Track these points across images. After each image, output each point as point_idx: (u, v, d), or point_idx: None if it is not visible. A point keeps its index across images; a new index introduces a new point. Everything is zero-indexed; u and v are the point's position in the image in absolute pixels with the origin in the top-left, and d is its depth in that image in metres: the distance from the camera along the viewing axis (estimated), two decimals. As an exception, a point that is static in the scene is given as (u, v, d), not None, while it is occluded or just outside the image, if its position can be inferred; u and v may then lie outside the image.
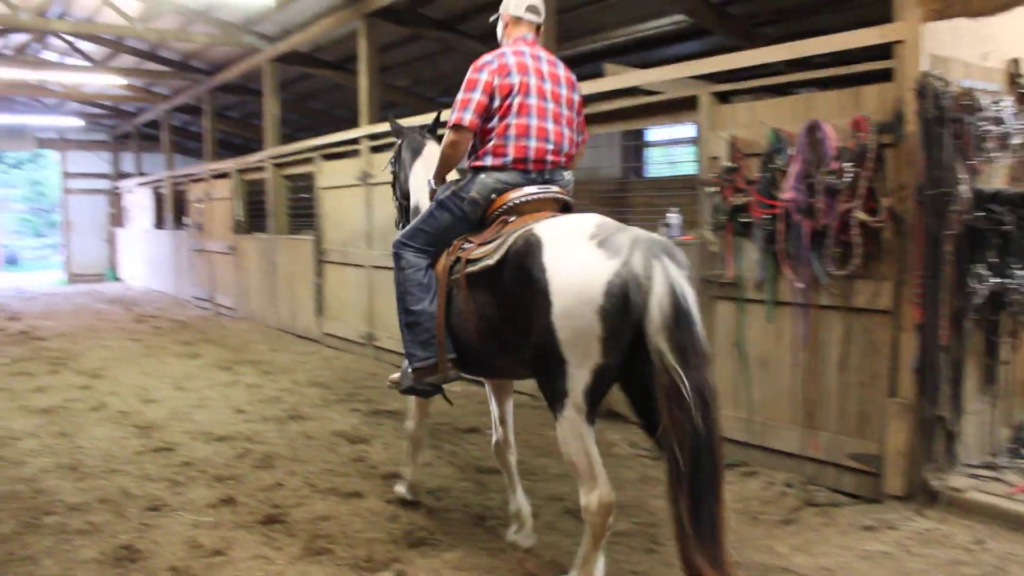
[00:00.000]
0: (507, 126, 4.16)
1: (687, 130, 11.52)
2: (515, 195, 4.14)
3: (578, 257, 3.41)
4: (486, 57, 4.24)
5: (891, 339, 4.81)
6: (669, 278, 3.26)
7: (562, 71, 4.39)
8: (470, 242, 4.10)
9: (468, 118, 4.14)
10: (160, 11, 12.67)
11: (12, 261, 33.89)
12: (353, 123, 10.96)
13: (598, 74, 7.12)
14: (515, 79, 4.17)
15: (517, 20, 4.44)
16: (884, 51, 4.85)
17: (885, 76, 4.84)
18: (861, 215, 4.76)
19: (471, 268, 3.93)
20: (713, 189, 5.67)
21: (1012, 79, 5.30)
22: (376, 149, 9.72)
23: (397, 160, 5.26)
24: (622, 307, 3.28)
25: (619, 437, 6.26)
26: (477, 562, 4.21)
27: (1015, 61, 5.32)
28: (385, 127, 7.18)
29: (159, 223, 19.42)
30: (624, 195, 11.94)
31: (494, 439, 4.69)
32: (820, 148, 4.96)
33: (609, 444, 6.11)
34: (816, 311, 5.16)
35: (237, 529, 4.62)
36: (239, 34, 12.79)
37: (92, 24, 13.88)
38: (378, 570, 4.11)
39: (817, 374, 5.19)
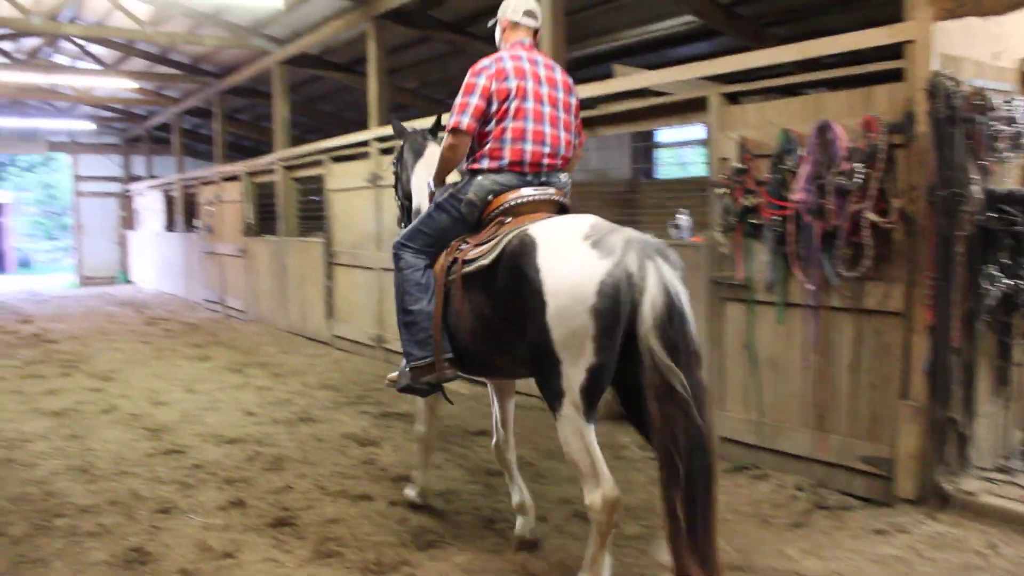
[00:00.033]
0: (503, 130, 4.23)
1: (697, 131, 11.50)
2: (511, 197, 4.21)
3: (572, 257, 3.48)
4: (484, 61, 4.31)
5: (902, 341, 4.78)
6: (662, 278, 3.34)
7: (559, 75, 4.45)
8: (467, 243, 4.17)
9: (466, 122, 4.22)
10: (170, 14, 12.73)
11: (24, 264, 34.09)
12: (362, 125, 10.98)
13: (607, 75, 7.10)
14: (512, 83, 4.24)
15: (515, 25, 4.52)
16: (895, 51, 4.82)
17: (896, 76, 4.82)
18: (872, 216, 4.73)
19: (467, 268, 4.01)
20: (723, 190, 5.65)
21: (1024, 78, 5.28)
22: (386, 151, 9.72)
23: (399, 162, 5.32)
24: (615, 306, 3.35)
25: (629, 440, 6.24)
26: (486, 565, 4.20)
27: (1027, 60, 5.30)
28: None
29: (170, 226, 19.48)
30: (634, 196, 11.93)
31: (494, 440, 4.75)
32: (830, 149, 4.94)
33: (619, 447, 6.10)
34: (827, 313, 5.14)
35: (247, 532, 4.62)
36: (248, 37, 12.82)
37: (103, 28, 13.95)
38: (387, 573, 4.11)
39: (828, 376, 5.17)
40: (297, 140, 14.19)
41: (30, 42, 16.04)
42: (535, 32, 4.55)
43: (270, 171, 13.26)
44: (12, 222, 33.75)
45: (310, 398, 8.02)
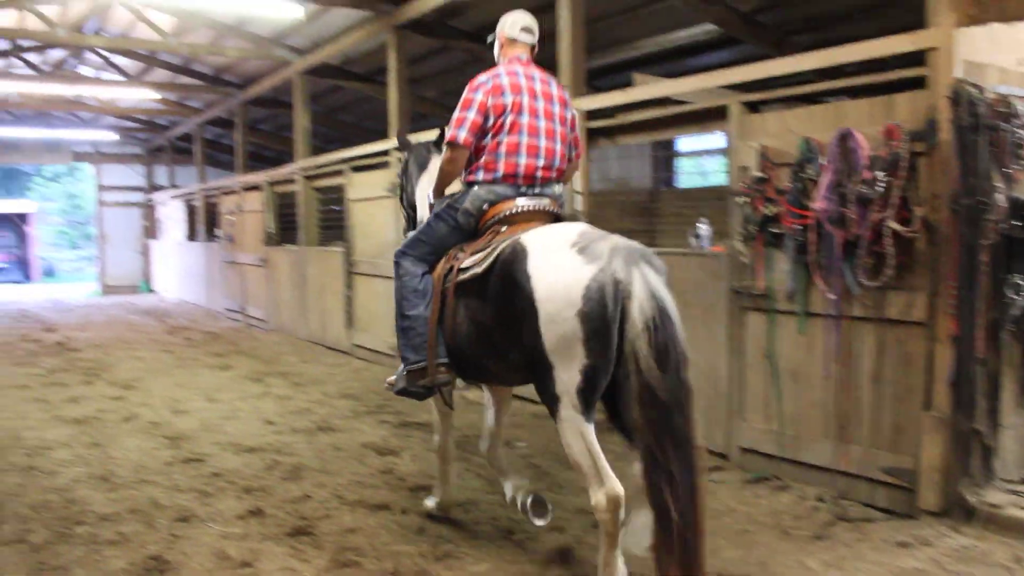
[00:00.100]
0: (498, 144, 4.37)
1: (717, 140, 11.46)
2: (506, 207, 4.35)
3: (560, 264, 3.62)
4: (481, 77, 4.45)
5: (925, 351, 4.72)
6: (648, 283, 3.48)
7: (555, 90, 4.58)
8: (464, 251, 4.31)
9: (463, 136, 4.36)
10: (193, 26, 12.83)
11: (49, 273, 34.44)
12: (383, 135, 11.01)
13: (627, 84, 7.09)
14: (508, 99, 4.37)
15: (512, 41, 4.67)
16: (917, 58, 4.78)
17: (918, 83, 4.78)
18: (894, 225, 4.69)
19: (462, 276, 4.16)
20: (743, 199, 5.61)
21: (1049, 86, 5.20)
22: (405, 161, 9.75)
23: (404, 174, 5.44)
24: (602, 309, 3.47)
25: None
26: (504, 575, 4.17)
27: (1052, 68, 5.23)
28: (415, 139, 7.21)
29: (191, 235, 19.62)
30: (654, 205, 11.88)
31: (485, 445, 4.95)
32: (852, 157, 4.90)
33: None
34: (848, 322, 5.09)
35: (265, 541, 4.62)
36: (270, 47, 12.91)
37: (127, 39, 14.09)
38: (405, 583, 4.10)
39: (849, 386, 5.11)
40: (318, 150, 14.24)
41: (55, 54, 16.24)
42: (532, 48, 4.69)
43: (291, 181, 13.33)
44: (37, 231, 34.11)
45: (330, 407, 8.03)
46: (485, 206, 4.39)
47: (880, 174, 4.73)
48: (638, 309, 3.43)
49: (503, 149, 4.37)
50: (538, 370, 3.69)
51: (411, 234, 4.71)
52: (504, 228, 4.27)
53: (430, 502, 5.01)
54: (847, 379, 5.12)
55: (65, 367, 10.42)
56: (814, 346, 5.31)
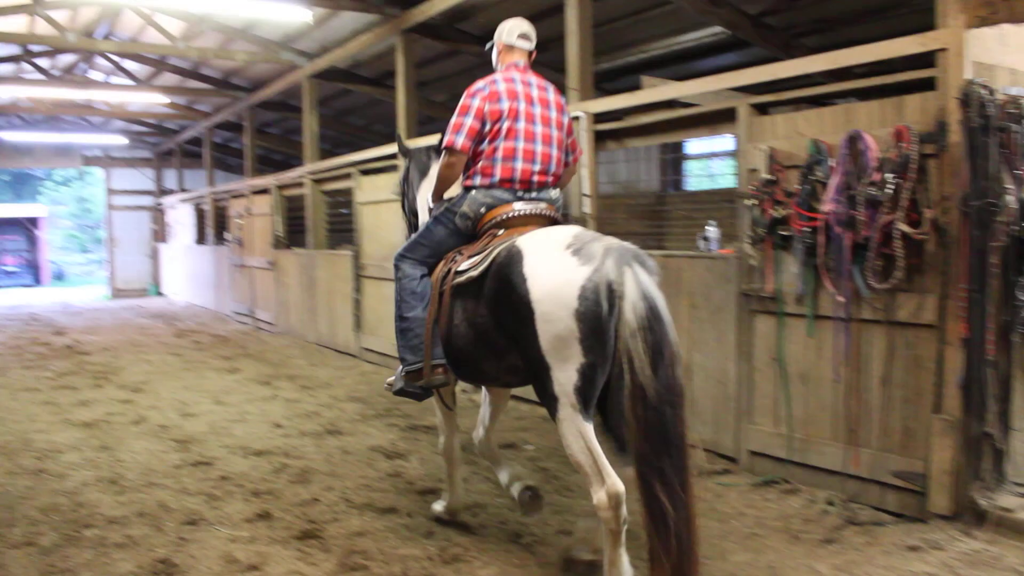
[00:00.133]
0: (495, 149, 4.47)
1: (726, 143, 11.44)
2: (503, 211, 4.44)
3: (555, 265, 3.70)
4: (478, 84, 4.54)
5: (936, 354, 4.69)
6: (640, 283, 3.56)
7: (551, 95, 4.68)
8: (461, 254, 4.40)
9: (460, 141, 4.46)
10: (201, 30, 12.88)
11: (59, 276, 34.60)
12: (391, 138, 11.00)
13: (636, 87, 7.08)
14: (504, 105, 4.47)
15: (510, 47, 4.77)
16: (927, 59, 4.76)
17: (928, 85, 4.75)
18: (904, 227, 4.66)
19: (458, 279, 4.24)
20: (752, 202, 5.59)
21: (1060, 87, 5.17)
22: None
23: (406, 180, 5.51)
24: (597, 309, 3.56)
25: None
26: (512, 579, 4.17)
27: (1063, 69, 5.20)
28: (423, 142, 7.23)
29: (200, 239, 19.68)
30: (662, 208, 11.87)
31: (479, 435, 5.03)
32: (861, 159, 4.88)
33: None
34: (858, 325, 5.07)
35: (272, 544, 4.62)
36: (278, 51, 12.94)
37: (136, 44, 14.16)
38: (413, 587, 4.09)
39: (859, 389, 5.09)
40: (327, 153, 14.29)
41: (66, 59, 16.34)
42: (530, 54, 4.79)
43: (299, 184, 13.35)
44: (47, 235, 34.29)
45: (338, 410, 8.03)
46: (482, 210, 4.48)
47: (890, 176, 4.70)
48: (630, 309, 3.51)
49: (500, 154, 4.46)
50: (536, 371, 3.76)
51: (411, 238, 4.79)
52: (501, 231, 4.36)
53: (438, 506, 5.00)
54: (856, 382, 5.10)
55: (74, 370, 10.45)
56: (823, 349, 5.29)
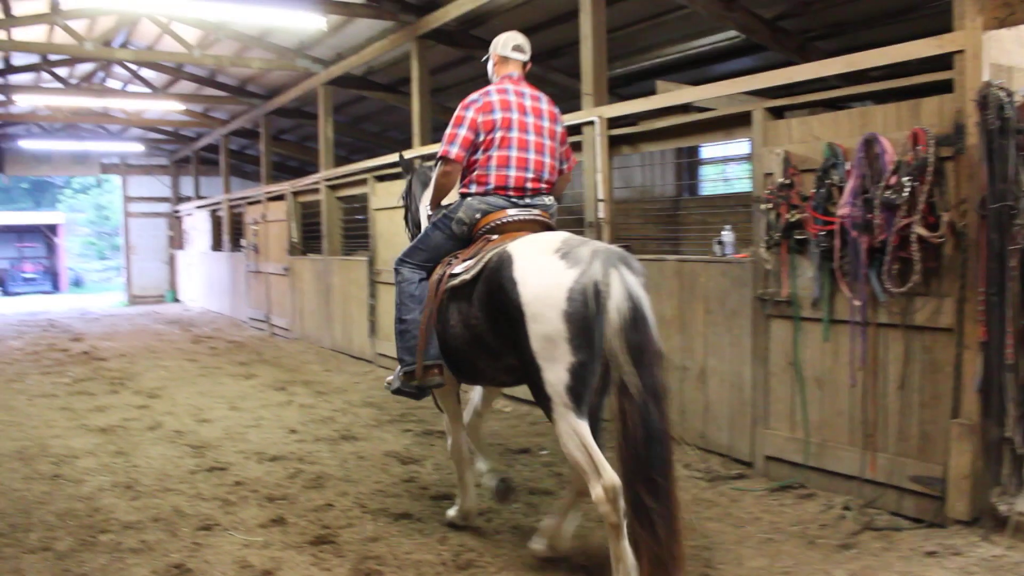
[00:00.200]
0: (489, 158, 4.62)
1: (741, 147, 11.40)
2: (497, 217, 4.59)
3: (544, 269, 3.84)
4: (473, 96, 4.71)
5: (954, 358, 4.65)
6: (626, 284, 3.68)
7: (545, 105, 4.83)
8: (457, 258, 4.53)
9: (454, 151, 4.62)
10: (217, 38, 12.96)
11: (77, 283, 34.86)
12: (406, 144, 11.05)
13: (650, 92, 7.07)
14: (497, 115, 4.62)
15: (505, 59, 4.93)
16: (943, 62, 4.72)
17: (945, 87, 4.71)
18: (920, 230, 4.62)
19: (452, 282, 4.38)
20: (767, 206, 5.57)
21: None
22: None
23: (408, 193, 5.68)
24: (585, 310, 3.68)
25: (674, 458, 6.14)
26: (526, 585, 4.16)
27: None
28: (432, 149, 7.26)
29: (216, 245, 19.77)
30: (678, 213, 11.84)
31: (465, 419, 5.15)
32: (877, 162, 4.84)
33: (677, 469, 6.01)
34: (874, 329, 5.03)
35: (287, 549, 4.62)
36: (294, 58, 13.00)
37: (153, 52, 14.27)
38: (427, 592, 4.08)
39: (876, 394, 5.05)
40: (342, 160, 14.34)
41: (84, 67, 16.48)
42: (524, 65, 4.94)
43: (315, 190, 13.40)
44: (66, 242, 34.56)
45: (352, 416, 8.04)
46: (477, 216, 4.62)
47: (906, 179, 4.67)
48: (616, 309, 3.63)
49: (494, 163, 4.61)
50: (529, 371, 3.87)
51: (411, 243, 4.97)
52: (495, 237, 4.50)
53: (452, 511, 4.99)
54: (873, 386, 5.05)
55: (91, 376, 10.51)
56: (840, 353, 5.25)
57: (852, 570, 4.22)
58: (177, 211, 23.68)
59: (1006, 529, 4.42)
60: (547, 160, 4.73)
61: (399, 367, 4.74)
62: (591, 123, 7.22)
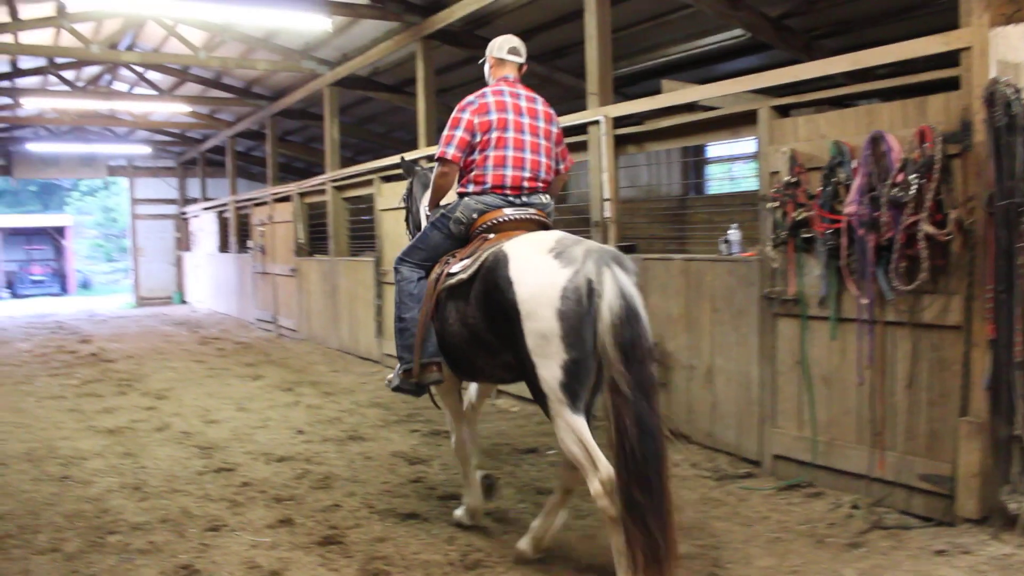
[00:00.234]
0: (486, 157, 4.71)
1: (747, 145, 11.37)
2: (494, 216, 4.67)
3: (539, 268, 3.92)
4: (469, 98, 4.81)
5: (962, 356, 4.63)
6: (618, 283, 3.75)
7: (540, 106, 4.92)
8: (454, 257, 4.63)
9: (451, 152, 4.72)
10: (223, 40, 12.98)
11: (85, 285, 34.95)
12: (412, 145, 11.05)
13: (656, 91, 7.06)
14: (493, 116, 4.72)
15: (501, 61, 5.03)
16: (950, 59, 4.70)
17: (951, 85, 4.70)
18: (928, 228, 4.61)
19: (450, 281, 4.47)
20: (774, 204, 5.56)
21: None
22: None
23: (409, 196, 5.80)
24: (578, 308, 3.77)
25: (681, 458, 6.15)
26: (534, 585, 4.16)
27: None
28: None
29: (223, 247, 19.81)
30: (684, 212, 11.82)
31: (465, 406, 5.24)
32: (884, 160, 4.83)
33: (671, 465, 6.00)
34: (882, 327, 5.01)
35: (294, 550, 4.63)
36: (299, 60, 13.02)
37: (159, 54, 14.32)
38: (434, 592, 4.08)
39: (884, 392, 5.03)
40: (348, 161, 14.35)
41: (90, 70, 16.54)
42: (519, 67, 5.04)
43: (321, 192, 13.41)
44: (74, 245, 34.66)
45: (360, 416, 8.05)
46: (475, 215, 4.70)
47: (913, 177, 4.65)
48: (608, 307, 3.71)
49: (490, 163, 4.70)
50: (525, 368, 3.96)
51: (410, 242, 5.06)
52: (491, 236, 4.58)
53: (459, 512, 4.99)
54: (881, 385, 5.04)
55: (99, 378, 10.54)
56: (847, 352, 5.24)
57: (861, 569, 4.21)
58: (184, 213, 23.73)
59: (1016, 527, 4.40)
60: (543, 159, 4.82)
61: (399, 365, 4.83)
62: (596, 122, 7.22)
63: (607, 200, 7.15)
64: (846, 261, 5.07)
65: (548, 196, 4.90)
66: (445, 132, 4.78)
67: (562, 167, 5.09)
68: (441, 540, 4.75)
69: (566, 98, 12.19)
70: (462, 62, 11.70)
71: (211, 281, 20.66)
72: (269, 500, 5.50)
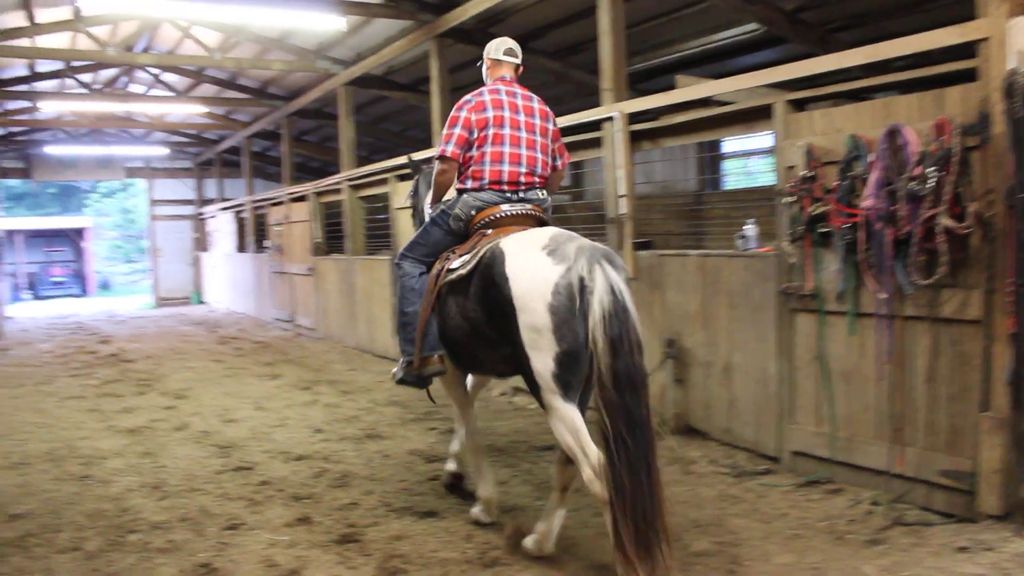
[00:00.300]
0: (483, 154, 4.83)
1: (764, 140, 11.32)
2: (492, 212, 4.79)
3: (532, 265, 4.06)
4: (467, 96, 4.95)
5: (982, 350, 4.58)
6: (608, 279, 3.87)
7: (536, 104, 5.05)
8: (454, 253, 4.75)
9: (450, 149, 4.86)
10: (238, 40, 13.03)
11: (105, 286, 35.20)
12: (427, 143, 11.06)
13: (670, 87, 7.03)
14: (490, 114, 4.85)
15: (497, 62, 5.18)
16: (967, 50, 4.66)
17: (969, 76, 4.65)
18: (946, 221, 4.56)
19: (450, 277, 4.60)
20: (790, 199, 5.52)
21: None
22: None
23: (416, 193, 5.93)
24: (570, 303, 3.91)
25: (699, 454, 6.13)
26: (552, 582, 4.15)
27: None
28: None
29: (241, 247, 19.89)
30: (700, 208, 11.78)
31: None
32: (901, 153, 4.79)
33: (689, 462, 5.99)
34: (901, 322, 4.97)
35: (312, 548, 4.64)
36: (314, 60, 13.06)
37: (175, 56, 14.39)
38: (452, 590, 4.08)
39: (903, 387, 4.99)
40: (363, 160, 14.38)
41: (107, 73, 16.65)
42: (516, 67, 5.17)
43: (337, 191, 13.45)
44: (93, 246, 34.89)
45: (377, 415, 8.06)
46: (473, 212, 4.83)
47: (931, 170, 4.61)
48: (598, 302, 3.82)
49: (488, 158, 4.82)
50: (520, 360, 4.10)
51: (411, 238, 5.16)
52: (489, 231, 4.69)
53: (476, 509, 4.99)
54: (901, 380, 5.00)
55: (119, 378, 10.61)
56: (866, 347, 5.20)
57: (882, 566, 4.17)
58: (201, 213, 23.86)
59: (1038, 523, 4.36)
60: (539, 156, 4.94)
61: (402, 358, 4.96)
62: (611, 119, 7.20)
63: (622, 196, 7.13)
64: (864, 255, 5.03)
65: (545, 192, 5.02)
66: (444, 130, 4.91)
67: (559, 163, 5.20)
68: (459, 538, 4.75)
69: (580, 94, 12.19)
70: (475, 60, 11.50)
71: (229, 281, 20.76)
72: (287, 499, 5.52)
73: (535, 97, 5.08)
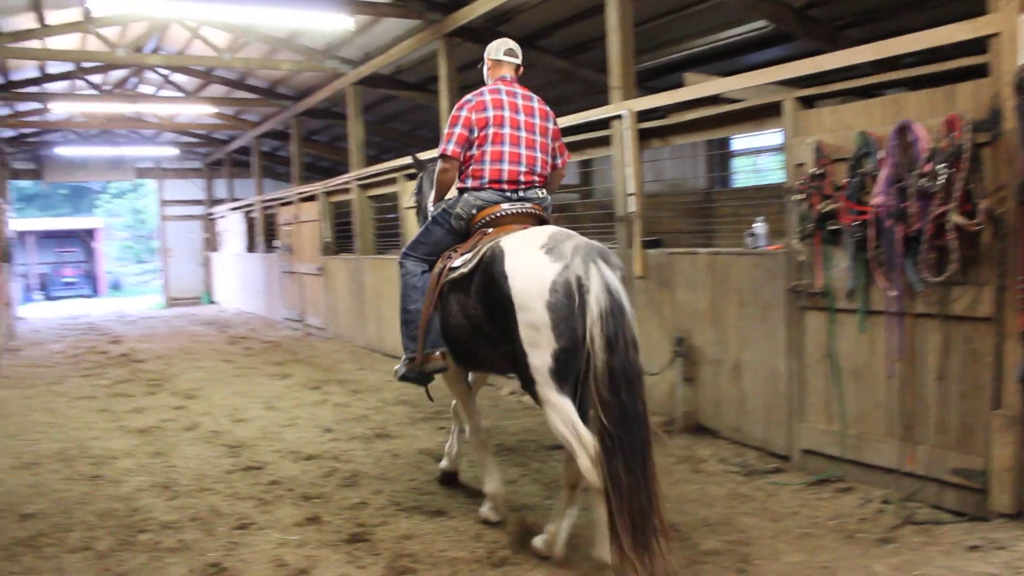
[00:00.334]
0: (483, 153, 4.87)
1: (773, 137, 11.29)
2: (492, 211, 4.83)
3: (531, 263, 4.13)
4: (467, 96, 4.99)
5: (994, 348, 4.56)
6: (603, 277, 3.94)
7: (536, 104, 5.08)
8: (456, 251, 4.81)
9: (451, 148, 4.91)
10: (247, 41, 13.05)
11: (116, 287, 35.33)
12: (436, 143, 10.99)
13: (679, 84, 7.01)
14: (490, 113, 4.88)
15: (498, 63, 5.19)
16: (978, 46, 4.63)
17: (980, 72, 4.62)
18: (957, 218, 4.54)
19: (452, 275, 4.67)
20: (800, 196, 5.50)
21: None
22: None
23: (420, 192, 5.95)
24: (568, 300, 3.98)
25: (709, 453, 6.11)
26: (561, 582, 4.14)
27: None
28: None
29: (251, 247, 19.93)
30: (709, 206, 11.75)
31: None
32: (911, 150, 4.76)
33: (699, 460, 5.97)
34: (911, 320, 4.95)
35: (322, 548, 4.64)
36: (322, 60, 13.08)
37: (184, 57, 14.43)
38: (461, 589, 4.08)
39: (914, 385, 4.97)
40: (372, 159, 14.39)
41: (117, 74, 16.70)
42: (517, 67, 5.20)
43: (346, 190, 13.46)
44: (104, 247, 35.03)
45: (387, 414, 8.07)
46: (474, 211, 4.88)
47: (941, 166, 4.58)
48: (594, 300, 3.89)
49: (488, 157, 4.86)
50: (518, 357, 4.16)
51: (414, 237, 5.22)
52: (490, 230, 4.74)
53: (485, 508, 5.00)
54: (911, 378, 4.98)
55: (129, 378, 10.65)
56: (876, 345, 5.18)
57: (893, 564, 4.15)
58: (211, 214, 23.93)
59: (1051, 521, 4.34)
60: (539, 155, 4.98)
61: (404, 355, 5.06)
62: (620, 117, 7.18)
63: (631, 195, 7.11)
64: (874, 253, 5.01)
65: (545, 191, 5.06)
66: (445, 130, 4.97)
67: (559, 162, 5.24)
68: (468, 537, 4.75)
69: (588, 93, 12.18)
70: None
71: (239, 281, 20.81)
72: (297, 498, 5.53)
73: (535, 97, 5.11)
